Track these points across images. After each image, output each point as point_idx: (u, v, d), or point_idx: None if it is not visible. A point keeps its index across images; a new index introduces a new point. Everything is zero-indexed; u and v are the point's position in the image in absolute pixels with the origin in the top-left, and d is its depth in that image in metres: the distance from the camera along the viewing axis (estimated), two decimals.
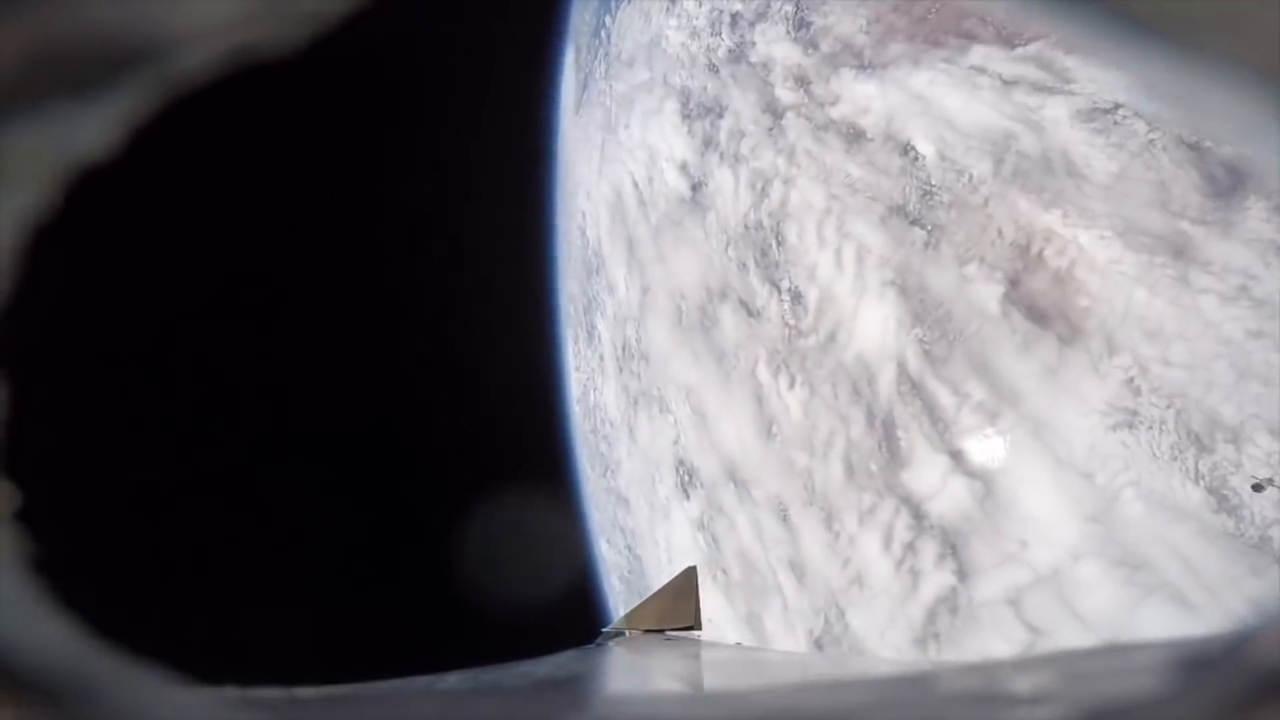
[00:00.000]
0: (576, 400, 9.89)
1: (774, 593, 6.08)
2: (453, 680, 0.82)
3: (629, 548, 8.69)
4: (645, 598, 2.30)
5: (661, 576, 8.12)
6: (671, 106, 9.15)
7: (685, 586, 2.38)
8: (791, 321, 6.26)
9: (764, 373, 6.34)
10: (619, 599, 8.66)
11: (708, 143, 8.51)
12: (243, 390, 8.65)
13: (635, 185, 9.30)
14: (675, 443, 7.47)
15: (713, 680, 1.14)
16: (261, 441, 8.77)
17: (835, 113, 7.06)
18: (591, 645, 1.77)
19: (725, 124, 8.32)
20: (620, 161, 9.80)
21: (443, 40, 9.81)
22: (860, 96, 6.76)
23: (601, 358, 9.29)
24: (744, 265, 6.92)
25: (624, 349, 8.67)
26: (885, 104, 6.46)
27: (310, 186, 9.05)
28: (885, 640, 5.36)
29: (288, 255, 9.06)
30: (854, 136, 6.82)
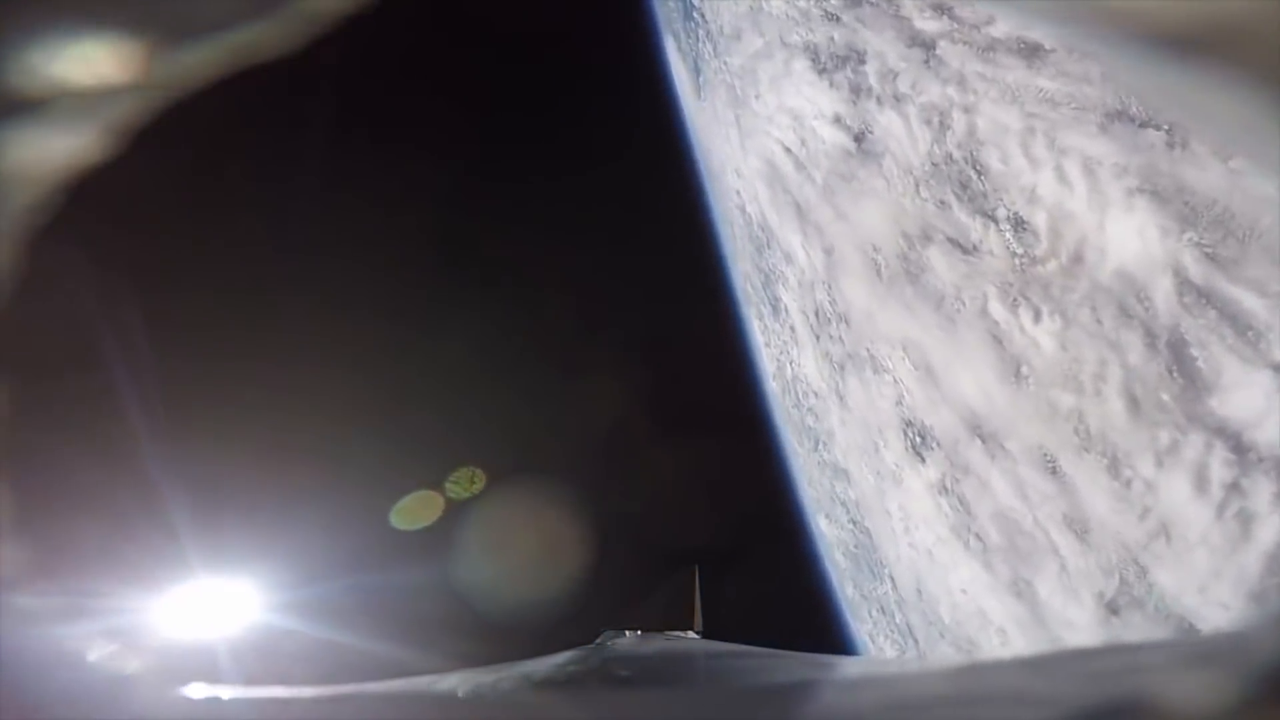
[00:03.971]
0: (771, 378, 9.62)
1: (1048, 555, 5.40)
2: (452, 680, 0.83)
3: (853, 521, 8.23)
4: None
5: (899, 547, 7.64)
6: (801, 65, 8.77)
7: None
8: (1020, 250, 5.58)
9: (998, 310, 5.69)
10: (844, 575, 8.24)
11: (856, 90, 8.05)
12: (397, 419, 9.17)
13: (787, 151, 8.97)
14: (898, 403, 6.94)
15: (713, 680, 1.13)
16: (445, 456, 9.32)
17: (996, 31, 6.40)
18: (591, 645, 1.72)
19: (870, 68, 7.83)
20: (762, 133, 9.54)
21: (559, 57, 10.04)
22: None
23: (793, 329, 8.95)
24: (943, 203, 6.32)
25: (817, 315, 8.27)
26: None
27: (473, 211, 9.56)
28: (1208, 597, 4.56)
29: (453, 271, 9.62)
30: (1030, 51, 6.11)
